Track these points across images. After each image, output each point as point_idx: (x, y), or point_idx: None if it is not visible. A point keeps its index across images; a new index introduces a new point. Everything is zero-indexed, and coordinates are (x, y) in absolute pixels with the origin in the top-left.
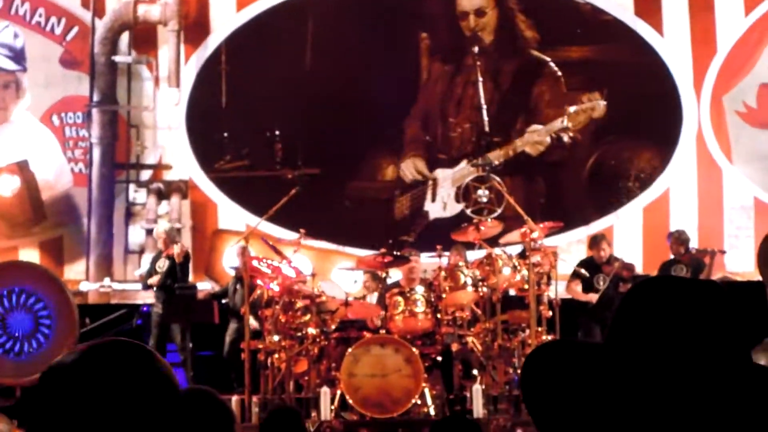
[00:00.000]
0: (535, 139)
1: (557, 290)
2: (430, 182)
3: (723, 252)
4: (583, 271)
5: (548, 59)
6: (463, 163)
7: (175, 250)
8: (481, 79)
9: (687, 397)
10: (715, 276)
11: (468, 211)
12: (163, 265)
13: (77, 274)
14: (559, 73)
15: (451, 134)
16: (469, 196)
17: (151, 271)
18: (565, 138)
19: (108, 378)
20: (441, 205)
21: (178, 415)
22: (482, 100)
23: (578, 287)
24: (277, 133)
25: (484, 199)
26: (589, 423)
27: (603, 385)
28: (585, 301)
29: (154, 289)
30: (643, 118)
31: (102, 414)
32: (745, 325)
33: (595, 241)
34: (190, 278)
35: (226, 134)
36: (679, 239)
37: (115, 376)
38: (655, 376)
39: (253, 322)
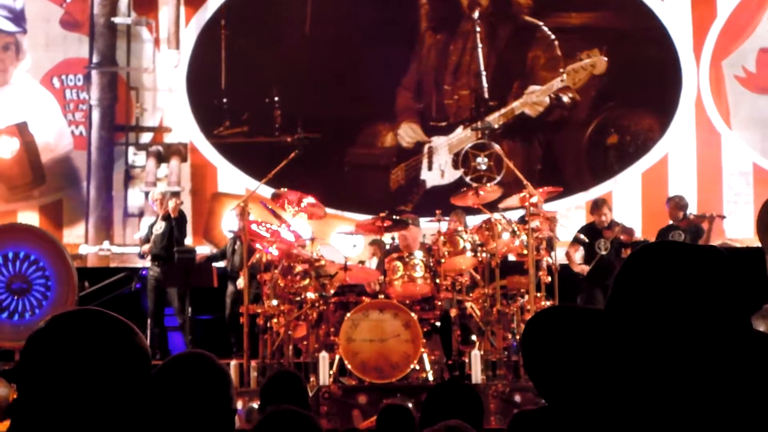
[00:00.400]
0: (533, 99)
1: (556, 255)
2: (426, 150)
3: (722, 217)
4: (582, 236)
5: (540, 23)
6: (460, 129)
7: (170, 205)
8: (480, 45)
9: (686, 363)
10: (715, 242)
11: (467, 179)
12: (159, 227)
13: (76, 238)
14: (552, 37)
15: (447, 101)
16: (468, 164)
17: (148, 236)
18: (565, 98)
19: (74, 344)
20: (438, 173)
21: (147, 384)
22: (482, 66)
23: (578, 253)
24: (276, 99)
25: (483, 167)
26: (589, 387)
27: (602, 350)
28: (577, 272)
29: (150, 254)
30: (643, 83)
31: (70, 377)
32: (744, 291)
33: (596, 206)
34: (189, 241)
35: (225, 100)
36: (678, 205)
37: (82, 342)
38: (654, 341)
39: (240, 282)
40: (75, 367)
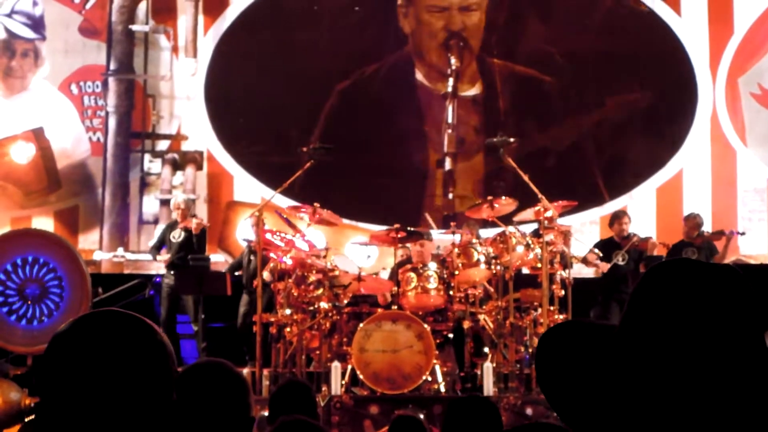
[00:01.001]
0: None
1: (570, 269)
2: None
3: (741, 233)
4: (596, 250)
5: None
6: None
7: (193, 223)
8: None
9: (699, 381)
10: (729, 259)
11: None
12: (178, 236)
13: (91, 244)
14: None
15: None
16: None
17: (162, 240)
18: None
19: (100, 345)
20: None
21: (172, 385)
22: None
23: (596, 260)
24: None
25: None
26: (602, 404)
27: (616, 367)
28: (600, 270)
29: (160, 259)
30: (659, 98)
31: (94, 379)
32: (758, 309)
33: (616, 217)
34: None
35: (241, 120)
36: (696, 223)
37: (108, 343)
38: (667, 359)
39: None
40: (102, 369)
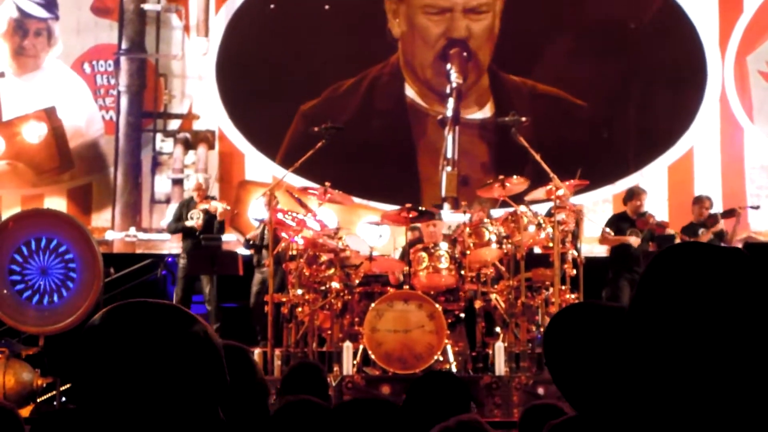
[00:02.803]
0: None
1: (581, 248)
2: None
3: (755, 207)
4: (608, 229)
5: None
6: None
7: (219, 208)
8: None
9: (708, 364)
10: (740, 236)
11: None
12: (198, 216)
13: (105, 222)
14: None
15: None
16: None
17: (180, 217)
18: None
19: (135, 338)
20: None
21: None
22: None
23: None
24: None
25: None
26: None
27: (625, 349)
28: (624, 243)
29: (182, 238)
30: (669, 77)
31: (130, 374)
32: None
33: (633, 193)
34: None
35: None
36: (703, 206)
37: (143, 335)
38: (677, 342)
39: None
40: (134, 362)
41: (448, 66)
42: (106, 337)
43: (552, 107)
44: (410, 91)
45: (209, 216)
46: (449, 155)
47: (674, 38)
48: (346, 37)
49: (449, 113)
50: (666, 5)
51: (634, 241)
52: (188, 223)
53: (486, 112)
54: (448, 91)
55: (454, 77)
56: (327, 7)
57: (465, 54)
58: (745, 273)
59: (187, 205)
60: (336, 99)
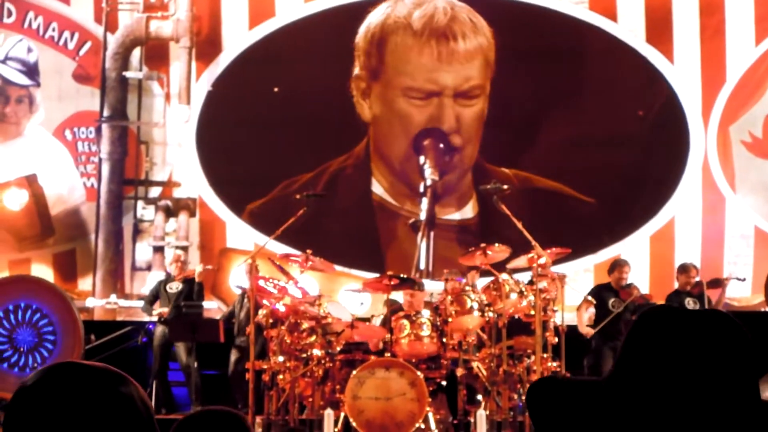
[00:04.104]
0: None
1: (563, 316)
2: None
3: (741, 279)
4: (590, 297)
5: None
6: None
7: (197, 269)
8: None
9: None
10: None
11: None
12: (176, 287)
13: (87, 287)
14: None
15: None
16: None
17: (156, 295)
18: None
19: (65, 398)
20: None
21: None
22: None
23: (587, 313)
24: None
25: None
26: None
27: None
28: (583, 333)
29: (160, 304)
30: (651, 145)
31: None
32: (752, 355)
33: (617, 265)
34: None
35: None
36: (690, 274)
37: (72, 396)
38: (661, 407)
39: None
40: (69, 425)
41: (422, 159)
42: (37, 397)
43: (552, 202)
44: (378, 188)
45: (190, 284)
46: (422, 266)
47: (657, 106)
48: (302, 124)
49: (423, 215)
50: (648, 73)
51: (587, 332)
52: (155, 312)
53: (467, 212)
54: (421, 189)
55: (429, 173)
56: (276, 89)
57: (441, 146)
58: (729, 335)
59: (165, 283)
60: (288, 197)
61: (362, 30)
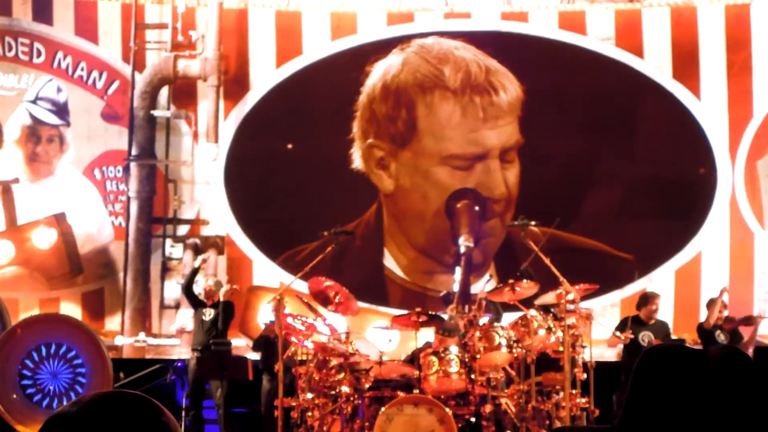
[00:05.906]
0: None
1: (592, 353)
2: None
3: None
4: (618, 333)
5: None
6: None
7: (222, 290)
8: None
9: None
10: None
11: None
12: (209, 314)
13: (115, 327)
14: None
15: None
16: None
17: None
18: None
19: (110, 429)
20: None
21: None
22: None
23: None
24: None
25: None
26: None
27: None
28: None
29: (192, 343)
30: (678, 180)
31: None
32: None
33: (646, 299)
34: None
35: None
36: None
37: (117, 427)
38: None
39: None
40: None
41: (454, 224)
42: (81, 425)
43: (591, 262)
44: (392, 263)
45: (217, 314)
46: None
47: (684, 142)
48: (311, 186)
49: (455, 287)
50: (676, 108)
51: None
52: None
53: (489, 283)
54: (454, 258)
55: (463, 239)
56: (290, 146)
57: (477, 208)
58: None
59: (200, 310)
60: (290, 269)
61: (369, 90)
